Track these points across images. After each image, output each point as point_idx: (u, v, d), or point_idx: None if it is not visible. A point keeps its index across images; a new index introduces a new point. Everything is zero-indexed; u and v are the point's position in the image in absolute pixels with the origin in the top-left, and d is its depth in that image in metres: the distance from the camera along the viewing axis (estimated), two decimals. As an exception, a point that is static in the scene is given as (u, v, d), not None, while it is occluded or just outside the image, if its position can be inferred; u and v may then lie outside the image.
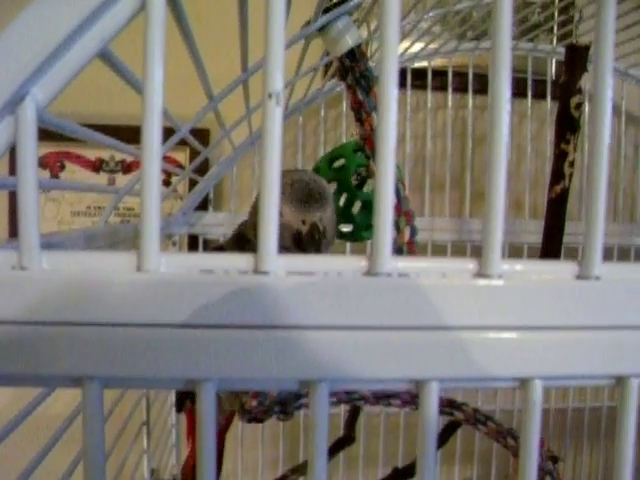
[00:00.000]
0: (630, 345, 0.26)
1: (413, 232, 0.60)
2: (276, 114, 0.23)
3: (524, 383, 0.26)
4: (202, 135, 1.19)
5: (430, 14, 0.89)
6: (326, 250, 0.68)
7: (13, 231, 1.22)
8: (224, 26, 1.06)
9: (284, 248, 0.68)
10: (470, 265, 0.26)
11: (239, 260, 0.24)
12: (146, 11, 0.23)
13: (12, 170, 1.04)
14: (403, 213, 0.60)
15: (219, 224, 1.16)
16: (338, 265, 0.25)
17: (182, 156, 1.23)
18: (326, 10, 0.60)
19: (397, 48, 0.24)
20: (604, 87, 0.25)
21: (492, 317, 0.26)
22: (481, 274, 0.26)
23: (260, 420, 0.71)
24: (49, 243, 0.41)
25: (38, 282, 0.23)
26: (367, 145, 0.62)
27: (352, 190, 0.71)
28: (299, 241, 0.67)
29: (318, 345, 0.24)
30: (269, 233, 0.24)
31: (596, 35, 0.25)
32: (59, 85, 0.24)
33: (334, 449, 1.00)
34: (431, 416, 0.26)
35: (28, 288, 0.23)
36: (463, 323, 0.25)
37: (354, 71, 0.63)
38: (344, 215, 0.74)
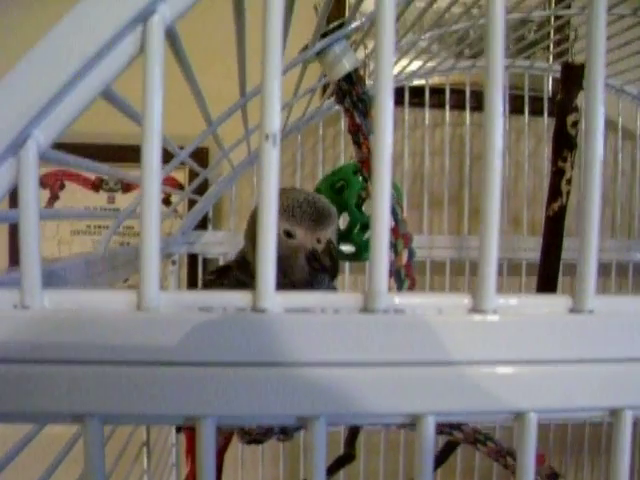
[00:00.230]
0: (624, 377, 0.27)
1: (411, 255, 0.60)
2: (273, 156, 0.24)
3: (519, 416, 0.27)
4: (201, 154, 1.20)
5: (428, 34, 0.90)
6: (337, 270, 0.68)
7: (13, 255, 1.23)
8: (223, 41, 1.07)
9: (301, 268, 0.69)
10: (465, 300, 0.26)
11: (237, 297, 0.25)
12: (145, 54, 0.23)
13: (12, 200, 1.04)
14: (401, 236, 0.60)
15: (219, 243, 1.16)
16: (335, 301, 0.25)
17: (181, 175, 1.23)
18: (324, 35, 0.60)
19: (392, 68, 0.25)
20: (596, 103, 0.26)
21: (487, 352, 0.26)
22: (476, 309, 0.26)
23: (259, 442, 0.71)
24: (50, 272, 0.42)
25: (40, 321, 0.24)
26: (365, 168, 0.63)
27: (354, 213, 0.71)
28: (314, 260, 0.68)
29: (316, 381, 0.24)
30: (267, 271, 0.24)
31: (588, 53, 0.26)
32: (61, 127, 0.24)
33: (335, 467, 0.99)
34: (427, 450, 0.26)
35: (30, 327, 0.24)
36: (459, 358, 0.26)
37: (351, 95, 0.63)
38: (346, 237, 0.75)
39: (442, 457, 0.95)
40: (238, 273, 0.72)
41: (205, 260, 1.22)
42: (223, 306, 0.25)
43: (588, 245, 0.27)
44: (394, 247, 0.60)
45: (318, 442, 0.25)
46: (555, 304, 0.27)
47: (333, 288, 0.71)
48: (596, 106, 0.26)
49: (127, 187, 1.26)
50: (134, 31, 0.24)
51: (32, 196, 0.24)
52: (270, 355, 0.24)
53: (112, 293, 0.25)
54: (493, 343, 0.26)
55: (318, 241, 0.68)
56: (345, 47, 0.63)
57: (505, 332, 0.26)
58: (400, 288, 0.59)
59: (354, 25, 0.62)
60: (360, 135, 0.63)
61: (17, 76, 0.23)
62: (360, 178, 0.72)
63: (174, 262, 1.13)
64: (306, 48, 0.63)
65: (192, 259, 1.21)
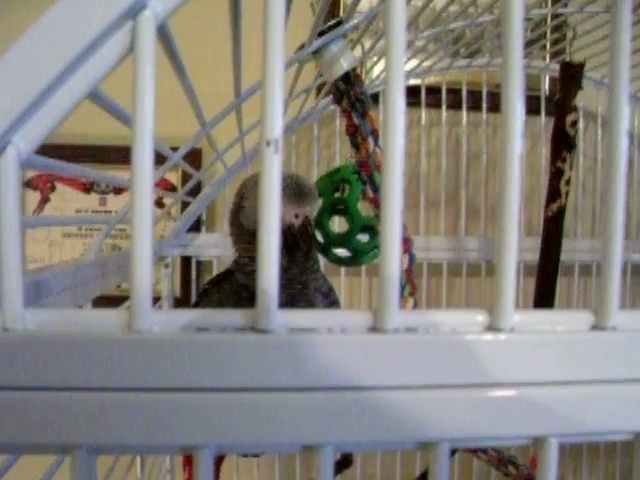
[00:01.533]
0: (651, 398, 0.25)
1: (411, 260, 0.59)
2: (274, 162, 0.22)
3: (538, 442, 0.25)
4: (194, 155, 1.17)
5: (425, 33, 0.88)
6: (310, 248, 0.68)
7: None
8: (215, 40, 1.06)
9: None
10: (480, 317, 0.25)
11: (237, 317, 0.23)
12: (135, 53, 0.22)
13: None
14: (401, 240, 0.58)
15: (212, 245, 1.14)
16: (342, 320, 0.23)
17: (174, 177, 1.21)
18: (321, 33, 0.59)
19: (403, 66, 0.23)
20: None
21: (503, 373, 0.24)
22: (492, 327, 0.24)
23: (256, 454, 0.69)
24: (37, 282, 0.40)
25: (22, 344, 0.22)
26: (363, 170, 0.61)
27: (356, 215, 0.70)
28: (290, 236, 0.68)
29: (322, 407, 0.23)
30: (269, 288, 0.22)
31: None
32: (44, 132, 0.22)
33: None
34: (442, 478, 0.24)
35: (11, 351, 0.22)
36: (475, 380, 0.24)
37: (349, 95, 0.61)
38: (345, 240, 0.73)
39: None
40: (240, 276, 0.71)
41: (199, 262, 1.20)
42: (222, 326, 0.23)
43: (610, 260, 0.25)
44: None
45: (325, 473, 0.23)
46: (575, 321, 0.25)
47: (309, 267, 0.70)
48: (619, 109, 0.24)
49: (119, 189, 1.23)
50: (123, 28, 0.22)
51: (12, 207, 0.22)
52: (272, 380, 0.22)
53: (101, 313, 0.23)
54: (509, 363, 0.24)
55: (296, 217, 0.68)
56: (343, 46, 0.61)
57: (523, 352, 0.24)
58: (401, 294, 0.57)
59: (352, 23, 0.60)
60: (358, 136, 0.61)
61: (-5, 77, 0.21)
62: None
63: (167, 265, 1.11)
64: (302, 47, 0.61)
65: (185, 261, 1.19)
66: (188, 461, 0.76)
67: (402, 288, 0.57)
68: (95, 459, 0.23)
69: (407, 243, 0.59)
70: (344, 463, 0.99)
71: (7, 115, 0.21)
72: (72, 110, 0.22)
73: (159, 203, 1.23)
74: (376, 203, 0.60)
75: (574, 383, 0.24)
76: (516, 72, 0.24)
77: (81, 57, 0.21)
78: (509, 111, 0.24)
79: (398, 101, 0.23)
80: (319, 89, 1.08)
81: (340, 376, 0.23)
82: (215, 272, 1.15)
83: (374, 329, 0.23)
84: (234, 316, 0.23)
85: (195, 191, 1.09)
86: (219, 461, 0.78)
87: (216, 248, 1.14)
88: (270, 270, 0.22)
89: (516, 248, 0.25)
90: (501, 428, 0.24)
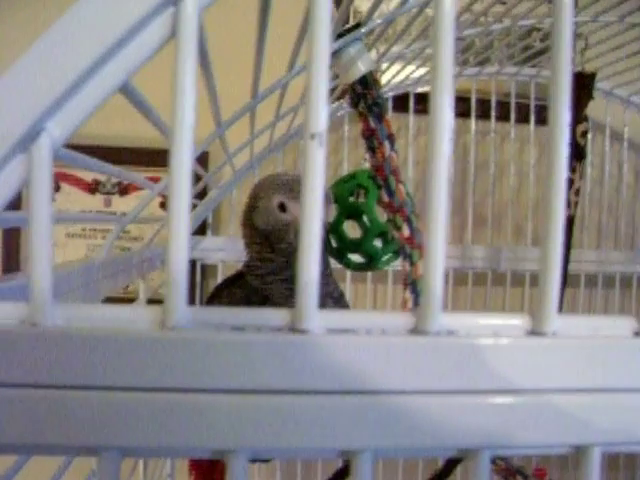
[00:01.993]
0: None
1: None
2: (318, 155, 0.21)
3: (580, 451, 0.24)
4: (201, 158, 1.17)
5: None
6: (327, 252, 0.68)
7: (8, 262, 1.19)
8: (229, 41, 1.05)
9: (288, 243, 0.68)
10: (522, 321, 0.24)
11: (274, 316, 0.22)
12: (177, 39, 0.21)
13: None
14: (417, 246, 0.58)
15: (218, 249, 1.13)
16: (382, 322, 0.23)
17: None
18: (339, 35, 0.58)
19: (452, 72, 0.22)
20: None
21: (546, 379, 0.23)
22: (535, 331, 0.24)
23: (266, 460, 0.68)
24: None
25: (50, 340, 0.21)
26: (378, 174, 0.60)
27: (375, 220, 0.69)
28: None
29: (362, 411, 0.22)
30: (309, 289, 0.21)
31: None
32: (78, 120, 0.21)
33: None
34: (481, 488, 0.23)
35: (39, 347, 0.21)
36: (515, 386, 0.23)
37: (366, 98, 0.61)
38: (359, 245, 0.72)
39: (446, 471, 0.93)
40: (251, 278, 0.70)
41: (203, 266, 1.19)
42: (258, 325, 0.22)
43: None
44: (410, 258, 0.58)
45: (363, 478, 0.22)
46: (619, 326, 0.24)
47: (322, 272, 0.70)
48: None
49: (124, 190, 1.22)
50: (163, 14, 0.21)
51: (45, 198, 0.21)
52: (310, 382, 0.21)
53: (132, 309, 0.22)
54: (552, 369, 0.23)
55: None
56: (360, 49, 0.61)
57: (566, 357, 0.23)
58: (417, 300, 0.56)
59: (370, 26, 0.59)
60: (375, 140, 0.60)
61: (30, 62, 0.20)
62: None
63: (172, 268, 1.10)
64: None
65: (190, 265, 1.18)
66: (194, 466, 0.75)
67: (418, 295, 0.57)
68: (121, 461, 0.22)
69: (423, 249, 0.58)
70: (347, 470, 0.98)
71: (43, 99, 0.20)
72: (107, 98, 0.22)
73: (164, 206, 1.22)
74: (391, 208, 0.60)
75: (620, 390, 0.24)
76: (565, 85, 0.23)
77: (120, 42, 0.21)
78: (557, 124, 0.23)
79: (445, 111, 0.22)
80: (330, 93, 1.07)
81: (379, 379, 0.22)
82: (220, 276, 1.14)
83: (415, 331, 0.22)
84: (271, 315, 0.22)
85: (201, 194, 1.08)
86: (223, 466, 0.77)
87: (221, 252, 1.14)
88: (310, 269, 0.21)
89: (560, 252, 0.24)
90: (541, 436, 0.23)
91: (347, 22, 0.62)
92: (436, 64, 0.22)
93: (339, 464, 0.97)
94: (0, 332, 0.21)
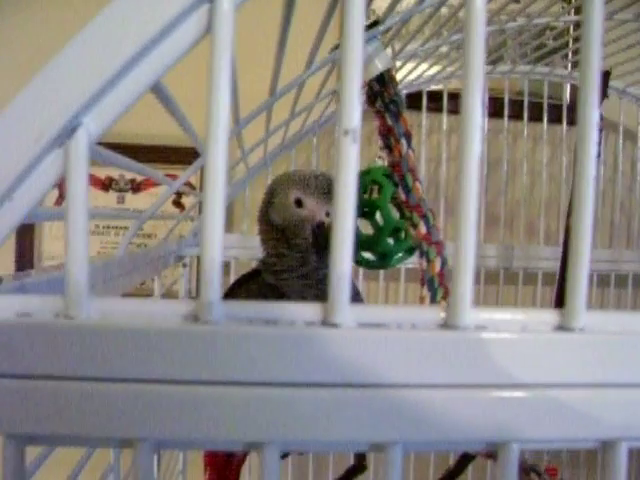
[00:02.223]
0: None
1: (444, 263, 0.58)
2: (352, 151, 0.21)
3: (606, 446, 0.24)
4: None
5: (454, 37, 0.88)
6: None
7: (20, 258, 1.20)
8: (243, 41, 1.05)
9: (304, 239, 0.68)
10: (551, 316, 0.24)
11: (306, 310, 0.22)
12: (212, 36, 0.21)
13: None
14: (433, 243, 0.58)
15: (231, 246, 1.13)
16: (412, 316, 0.23)
17: (192, 177, 1.20)
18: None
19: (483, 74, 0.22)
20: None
21: (574, 374, 0.23)
22: (563, 327, 0.24)
23: (284, 455, 0.68)
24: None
25: (85, 333, 0.21)
26: (396, 172, 0.60)
27: (389, 216, 0.69)
28: (319, 234, 0.67)
29: (392, 404, 0.22)
30: (342, 283, 0.22)
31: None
32: (113, 116, 0.22)
33: (345, 478, 0.97)
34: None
35: (74, 340, 0.21)
36: (543, 380, 0.23)
37: (383, 96, 0.61)
38: (372, 242, 0.72)
39: (457, 470, 0.93)
40: (267, 275, 0.70)
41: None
42: (290, 320, 0.22)
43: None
44: (426, 255, 0.58)
45: (395, 473, 0.22)
46: (648, 322, 0.25)
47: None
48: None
49: (137, 187, 1.23)
50: (199, 10, 0.21)
51: (82, 192, 0.21)
52: (342, 375, 0.22)
53: (165, 303, 0.22)
54: (579, 364, 0.23)
55: (327, 215, 0.68)
56: (378, 47, 0.61)
57: (594, 352, 0.24)
58: (434, 297, 0.57)
59: (388, 24, 0.59)
60: (391, 138, 0.60)
61: (68, 58, 0.21)
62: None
63: (185, 265, 1.10)
64: (337, 47, 0.60)
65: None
66: (210, 461, 0.75)
67: (435, 291, 0.57)
68: (155, 454, 0.22)
69: (439, 246, 0.58)
70: (359, 468, 0.98)
71: (80, 95, 0.20)
72: (142, 94, 0.22)
73: (177, 203, 1.22)
74: (408, 205, 0.60)
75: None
76: (594, 84, 0.23)
77: (156, 39, 0.21)
78: (586, 123, 0.23)
79: (476, 110, 0.22)
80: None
81: (410, 373, 0.22)
82: (233, 273, 1.14)
83: (445, 326, 0.23)
84: (303, 309, 0.22)
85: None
86: (242, 461, 0.77)
87: (234, 249, 1.14)
88: (343, 264, 0.22)
89: (589, 248, 0.24)
90: (568, 430, 0.23)
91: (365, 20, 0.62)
92: (468, 63, 0.22)
93: (350, 462, 0.97)
94: (36, 325, 0.21)
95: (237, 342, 0.21)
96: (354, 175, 0.21)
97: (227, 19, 0.21)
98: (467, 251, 0.22)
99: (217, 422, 0.21)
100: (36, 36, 1.20)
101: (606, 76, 1.00)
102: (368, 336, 0.22)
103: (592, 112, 0.23)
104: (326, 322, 0.22)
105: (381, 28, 0.60)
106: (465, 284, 0.22)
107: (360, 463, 0.98)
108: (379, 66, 0.60)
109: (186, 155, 1.18)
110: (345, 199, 0.21)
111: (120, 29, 0.20)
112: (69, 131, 0.21)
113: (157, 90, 0.26)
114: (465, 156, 0.22)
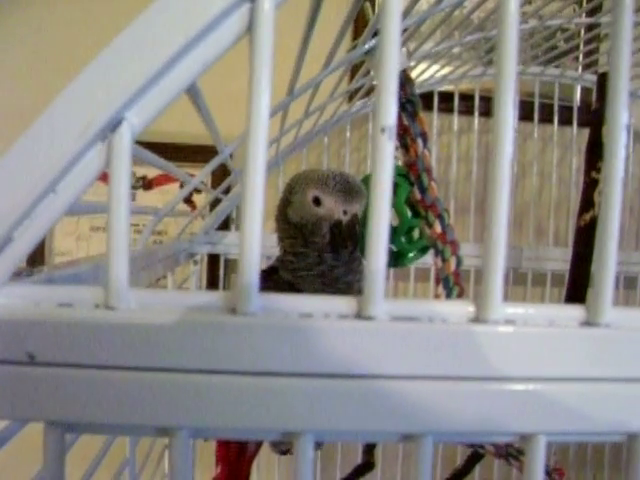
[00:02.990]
0: None
1: (458, 262, 0.58)
2: (388, 148, 0.22)
3: (632, 437, 0.25)
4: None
5: (468, 38, 0.88)
6: (356, 246, 0.69)
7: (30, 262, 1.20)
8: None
9: (321, 237, 0.69)
10: (578, 311, 0.24)
11: (340, 303, 0.23)
12: (253, 35, 0.21)
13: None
14: (448, 242, 0.58)
15: (241, 244, 1.14)
16: (443, 310, 0.23)
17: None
18: (375, 34, 0.59)
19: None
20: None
21: (599, 368, 0.24)
22: (589, 322, 0.24)
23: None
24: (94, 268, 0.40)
25: (126, 323, 0.22)
26: (412, 172, 0.61)
27: (404, 215, 0.69)
28: (336, 233, 0.68)
29: (425, 395, 0.22)
30: (377, 276, 0.22)
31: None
32: (155, 111, 0.22)
33: (353, 476, 0.97)
34: (537, 473, 0.24)
35: (116, 330, 0.22)
36: (570, 374, 0.24)
37: (399, 96, 0.61)
38: (390, 241, 0.72)
39: (466, 469, 0.93)
40: (284, 273, 0.71)
41: (227, 260, 1.20)
42: (325, 312, 0.23)
43: None
44: (441, 254, 0.58)
45: (425, 462, 0.23)
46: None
47: (355, 268, 0.71)
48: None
49: (148, 184, 1.24)
50: (241, 9, 0.22)
51: (125, 186, 0.22)
52: (376, 367, 0.22)
53: (203, 295, 0.23)
54: (606, 358, 0.24)
55: (345, 213, 0.68)
56: (394, 46, 0.61)
57: (619, 347, 0.24)
58: (449, 296, 0.57)
59: (405, 25, 0.60)
60: (408, 138, 0.61)
61: (113, 53, 0.21)
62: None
63: (196, 262, 1.11)
64: (355, 48, 0.61)
65: (213, 259, 1.19)
66: (222, 455, 0.76)
67: (450, 290, 0.57)
68: (192, 442, 0.23)
69: (454, 245, 0.59)
70: (366, 466, 0.99)
71: (126, 89, 0.21)
72: (183, 90, 0.22)
73: (189, 200, 1.23)
74: (423, 204, 0.60)
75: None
76: (623, 85, 0.23)
77: (199, 36, 0.21)
78: (614, 125, 0.23)
79: (508, 110, 0.23)
80: (355, 92, 1.08)
81: (441, 365, 0.22)
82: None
83: (475, 320, 0.23)
84: (337, 303, 0.23)
85: (225, 189, 1.09)
86: (253, 456, 0.78)
87: (245, 247, 1.14)
88: (378, 259, 0.22)
89: (616, 247, 0.24)
90: (596, 423, 0.24)
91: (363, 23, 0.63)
92: (500, 64, 0.23)
93: (358, 460, 0.98)
94: (79, 315, 0.22)
95: (275, 334, 0.22)
96: (390, 172, 0.22)
97: (268, 18, 0.21)
98: (498, 248, 0.23)
99: (254, 411, 0.22)
100: (36, 36, 1.21)
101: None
102: (401, 329, 0.22)
103: (621, 114, 0.24)
104: (360, 315, 0.22)
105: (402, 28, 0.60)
106: (495, 280, 0.23)
107: (368, 461, 0.98)
108: (396, 66, 0.61)
109: (194, 153, 1.19)
110: (381, 195, 0.22)
111: (165, 26, 0.21)
112: (113, 125, 0.21)
113: (192, 92, 0.26)
114: (497, 156, 0.23)
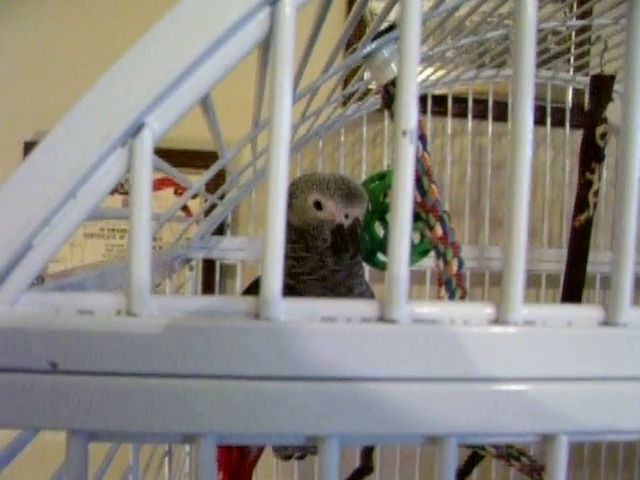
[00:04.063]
0: None
1: (460, 264, 0.58)
2: (409, 151, 0.22)
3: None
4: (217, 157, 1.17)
5: (463, 41, 0.89)
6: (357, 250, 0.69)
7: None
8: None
9: (323, 241, 0.69)
10: (596, 312, 0.25)
11: (363, 307, 0.23)
12: (274, 38, 0.21)
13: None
14: (450, 244, 0.58)
15: (237, 249, 1.14)
16: (463, 312, 0.23)
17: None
18: (374, 37, 0.59)
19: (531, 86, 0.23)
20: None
21: (619, 367, 0.24)
22: (607, 322, 0.24)
23: (301, 457, 0.69)
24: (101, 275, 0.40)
25: (148, 330, 0.22)
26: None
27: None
28: (338, 236, 0.68)
29: (447, 396, 0.22)
30: (400, 278, 0.22)
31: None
32: (175, 116, 0.22)
33: None
34: (559, 473, 0.24)
35: (137, 336, 0.22)
36: (590, 374, 0.24)
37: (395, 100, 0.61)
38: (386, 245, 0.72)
39: (466, 469, 0.93)
40: (286, 277, 0.70)
41: (222, 266, 1.19)
42: (347, 316, 0.22)
43: None
44: (443, 256, 0.58)
45: (448, 462, 0.23)
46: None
47: (356, 272, 0.71)
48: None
49: (143, 190, 1.23)
50: (261, 13, 0.22)
51: (146, 191, 0.22)
52: (400, 369, 0.22)
53: (226, 300, 0.23)
54: (626, 357, 0.24)
55: (346, 217, 0.68)
56: (394, 50, 0.61)
57: (638, 346, 0.24)
58: (452, 298, 0.57)
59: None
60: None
61: (135, 58, 0.21)
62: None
63: (192, 268, 1.11)
64: (354, 51, 0.61)
65: (208, 264, 1.19)
66: (224, 461, 0.75)
67: (453, 292, 0.57)
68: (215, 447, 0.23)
69: (456, 247, 0.59)
70: (365, 470, 0.99)
71: (148, 94, 0.21)
72: (203, 95, 0.22)
73: (184, 206, 1.23)
74: (424, 207, 0.60)
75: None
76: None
77: (220, 41, 0.21)
78: (630, 128, 0.24)
79: (526, 114, 0.23)
80: (350, 96, 1.08)
81: (464, 366, 0.22)
82: (239, 276, 1.15)
83: (496, 321, 0.23)
84: (360, 306, 0.23)
85: (221, 194, 1.09)
86: (255, 460, 0.78)
87: (240, 252, 1.14)
88: (400, 261, 0.22)
89: (633, 247, 0.25)
90: (617, 422, 0.24)
91: (362, 23, 0.63)
92: (517, 68, 0.23)
93: (356, 464, 0.98)
94: (101, 322, 0.22)
95: (300, 338, 0.22)
96: (411, 175, 0.22)
97: (289, 22, 0.21)
98: (518, 251, 0.23)
99: (279, 416, 0.22)
100: (36, 35, 1.20)
101: (611, 80, 1.01)
102: (423, 331, 0.22)
103: (636, 115, 0.24)
104: (384, 318, 0.22)
105: (397, 33, 0.60)
106: (516, 282, 0.23)
107: (367, 465, 0.98)
108: (395, 70, 0.61)
109: (189, 158, 1.19)
110: (403, 199, 0.22)
111: (186, 30, 0.21)
112: (134, 130, 0.21)
113: (204, 102, 0.26)
114: (516, 160, 0.23)
